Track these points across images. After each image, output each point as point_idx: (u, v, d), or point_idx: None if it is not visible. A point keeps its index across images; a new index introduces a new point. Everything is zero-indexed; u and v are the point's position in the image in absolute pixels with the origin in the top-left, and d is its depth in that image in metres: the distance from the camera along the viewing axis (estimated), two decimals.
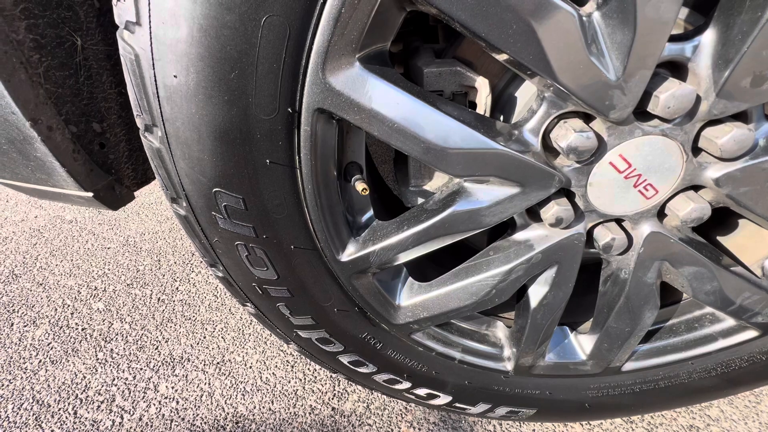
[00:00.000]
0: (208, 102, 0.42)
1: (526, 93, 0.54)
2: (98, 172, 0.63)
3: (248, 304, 0.65)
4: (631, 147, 0.50)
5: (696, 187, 0.55)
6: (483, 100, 0.53)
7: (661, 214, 0.57)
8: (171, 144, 0.46)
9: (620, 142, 0.49)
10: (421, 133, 0.45)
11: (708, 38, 0.43)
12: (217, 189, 0.49)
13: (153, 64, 0.41)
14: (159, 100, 0.43)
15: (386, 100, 0.44)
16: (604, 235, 0.57)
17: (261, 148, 0.46)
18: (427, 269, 0.75)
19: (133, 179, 0.71)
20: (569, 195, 0.55)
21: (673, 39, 0.44)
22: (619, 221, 0.58)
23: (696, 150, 0.51)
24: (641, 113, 0.47)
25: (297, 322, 0.66)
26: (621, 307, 0.64)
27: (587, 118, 0.50)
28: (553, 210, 0.53)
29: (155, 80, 0.42)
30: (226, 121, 0.43)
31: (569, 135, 0.47)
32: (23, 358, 1.12)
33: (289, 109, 0.44)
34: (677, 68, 0.46)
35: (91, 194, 0.63)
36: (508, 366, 0.75)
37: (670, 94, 0.43)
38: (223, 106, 0.42)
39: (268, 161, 0.47)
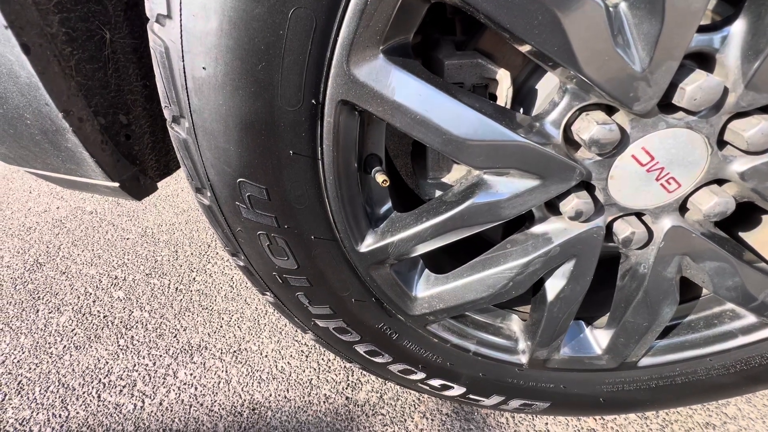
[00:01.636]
0: (235, 93, 0.43)
1: (548, 85, 0.54)
2: (124, 162, 0.65)
3: (268, 293, 0.67)
4: (655, 140, 0.49)
5: (720, 181, 0.54)
6: (504, 92, 0.53)
7: (682, 208, 0.56)
8: (198, 135, 0.47)
9: (643, 135, 0.49)
10: (444, 125, 0.46)
11: (737, 28, 0.42)
12: (241, 179, 0.50)
13: (182, 56, 0.42)
14: (187, 92, 0.44)
15: (409, 92, 0.44)
16: (623, 228, 0.57)
17: (285, 139, 0.47)
18: (443, 261, 0.76)
19: (156, 170, 0.73)
20: (589, 188, 0.55)
21: (701, 30, 0.43)
22: (639, 215, 0.58)
23: (721, 143, 0.50)
24: (665, 105, 0.47)
25: (315, 312, 0.67)
26: (639, 302, 0.64)
27: (610, 111, 0.49)
28: (573, 203, 0.53)
29: (184, 72, 0.43)
30: (252, 113, 0.44)
31: (591, 127, 0.47)
32: (49, 343, 1.16)
33: (313, 101, 0.44)
34: (704, 59, 0.45)
35: (117, 184, 0.64)
36: (523, 359, 0.75)
37: (696, 86, 0.43)
38: (250, 98, 0.43)
39: (291, 152, 0.48)
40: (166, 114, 0.49)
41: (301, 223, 0.55)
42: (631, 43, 0.41)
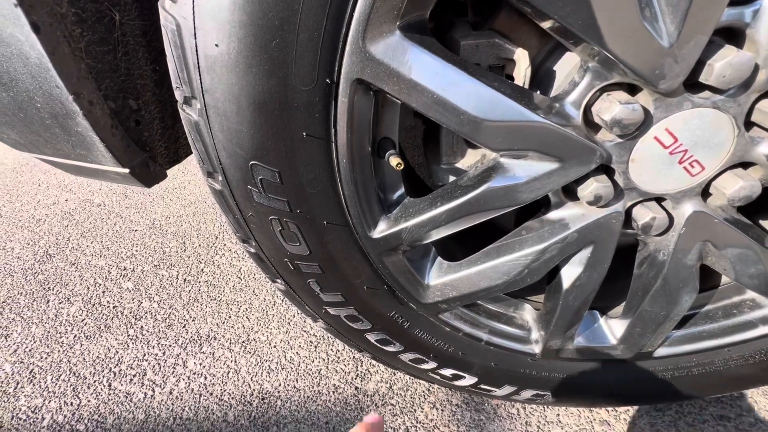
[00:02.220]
0: (248, 72, 0.42)
1: (567, 65, 0.52)
2: (134, 148, 0.64)
3: (279, 280, 0.66)
4: (679, 120, 0.47)
5: (745, 164, 0.52)
6: (522, 73, 0.51)
7: (705, 192, 0.55)
8: (209, 116, 0.47)
9: (667, 115, 0.47)
10: (462, 105, 0.44)
11: None
12: (253, 162, 0.49)
13: (195, 33, 0.41)
14: (199, 71, 0.43)
15: (426, 70, 0.43)
16: (643, 214, 0.55)
17: (298, 120, 0.46)
18: (454, 249, 0.75)
19: (166, 157, 0.72)
20: (608, 171, 0.54)
21: (731, 3, 0.41)
22: (659, 200, 0.56)
23: (748, 124, 0.48)
24: (691, 84, 0.45)
25: (327, 299, 0.66)
26: (657, 291, 0.62)
27: (632, 91, 0.48)
28: (592, 187, 0.52)
29: (196, 50, 0.42)
30: (265, 92, 0.43)
31: (614, 107, 0.45)
32: (59, 332, 1.17)
33: (328, 80, 0.43)
34: (733, 35, 0.43)
35: (127, 170, 0.64)
36: (536, 349, 0.74)
37: (726, 62, 0.41)
38: (263, 76, 0.42)
39: (304, 134, 0.47)
40: (177, 95, 0.48)
41: (313, 208, 0.54)
42: (659, 16, 0.39)
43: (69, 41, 0.49)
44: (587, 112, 0.49)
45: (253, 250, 0.63)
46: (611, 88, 0.47)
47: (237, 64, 0.41)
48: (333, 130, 0.47)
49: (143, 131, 0.66)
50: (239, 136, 0.47)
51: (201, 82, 0.44)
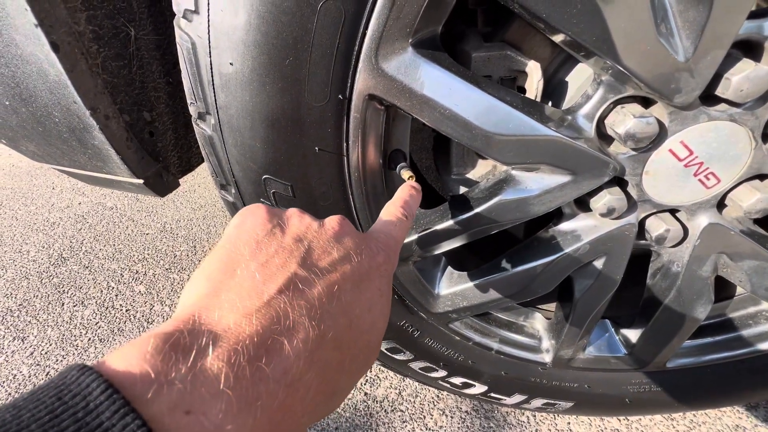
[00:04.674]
0: (262, 89, 0.42)
1: (579, 77, 0.52)
2: (148, 159, 0.65)
3: None
4: (695, 133, 0.47)
5: (762, 176, 0.51)
6: (534, 85, 0.51)
7: (720, 204, 0.54)
8: (223, 131, 0.47)
9: (683, 128, 0.47)
10: (473, 120, 0.44)
11: None
12: (266, 176, 0.50)
13: (209, 52, 0.41)
14: (214, 88, 0.44)
15: (438, 86, 0.43)
16: (657, 226, 0.55)
17: (311, 135, 0.46)
18: (465, 258, 0.75)
19: (179, 167, 0.73)
20: (621, 183, 0.53)
21: (750, 16, 0.41)
22: (673, 211, 0.56)
23: (765, 136, 0.48)
24: (707, 97, 0.45)
25: None
26: (671, 301, 0.62)
27: (646, 103, 0.47)
28: (605, 199, 0.52)
29: (211, 68, 0.42)
30: (279, 109, 0.44)
31: (628, 120, 0.45)
32: (74, 335, 1.19)
33: (340, 96, 0.44)
34: (751, 48, 0.43)
35: (141, 181, 0.65)
36: (547, 358, 0.74)
37: (744, 76, 0.41)
38: (277, 94, 0.43)
39: (317, 148, 0.47)
40: (192, 111, 0.49)
41: None
42: (675, 31, 0.39)
43: (86, 58, 0.50)
44: (600, 125, 0.48)
45: None
46: (625, 100, 0.47)
47: (251, 82, 0.42)
48: (345, 145, 0.48)
49: (157, 142, 0.67)
50: (252, 151, 0.48)
51: (215, 99, 0.45)
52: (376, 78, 0.42)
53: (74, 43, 0.48)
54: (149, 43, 0.58)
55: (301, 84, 0.42)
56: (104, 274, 1.40)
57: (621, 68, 0.41)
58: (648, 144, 0.47)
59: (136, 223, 1.65)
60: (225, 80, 0.43)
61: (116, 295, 1.32)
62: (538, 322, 0.76)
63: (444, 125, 0.45)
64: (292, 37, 0.39)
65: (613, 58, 0.40)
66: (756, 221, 0.57)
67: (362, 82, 0.43)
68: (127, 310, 1.26)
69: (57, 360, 1.13)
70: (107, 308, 1.27)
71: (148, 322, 1.22)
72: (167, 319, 1.20)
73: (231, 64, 0.41)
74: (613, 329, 0.74)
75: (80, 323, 1.23)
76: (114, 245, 1.54)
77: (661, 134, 0.47)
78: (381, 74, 0.42)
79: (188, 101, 0.48)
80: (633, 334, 0.71)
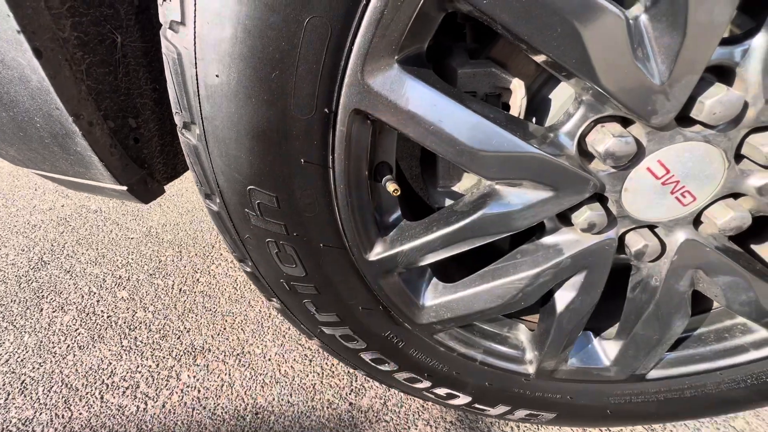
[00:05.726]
0: (247, 101, 0.42)
1: (561, 96, 0.53)
2: (132, 166, 0.65)
3: (274, 299, 0.66)
4: (671, 153, 0.48)
5: (735, 195, 0.53)
6: (518, 102, 0.52)
7: (696, 221, 0.56)
8: (208, 142, 0.47)
9: (659, 148, 0.48)
10: (458, 136, 0.45)
11: (759, 42, 0.41)
12: (251, 187, 0.50)
13: (195, 63, 0.41)
14: (199, 99, 0.44)
15: (423, 102, 0.44)
16: (636, 241, 0.56)
17: (296, 148, 0.46)
18: (450, 269, 0.75)
19: (164, 173, 0.72)
20: (602, 199, 0.54)
21: (722, 42, 0.42)
22: (651, 227, 0.57)
23: (738, 157, 0.49)
24: (683, 118, 0.46)
25: (322, 319, 0.67)
26: (650, 315, 0.63)
27: (625, 122, 0.49)
28: (586, 215, 0.53)
29: (197, 79, 0.42)
30: (264, 121, 0.44)
31: (607, 140, 0.46)
32: (52, 342, 1.16)
33: (326, 110, 0.44)
34: (724, 73, 0.44)
35: (125, 188, 0.64)
36: (530, 369, 0.74)
37: (716, 100, 0.42)
38: (262, 106, 0.43)
39: (302, 160, 0.47)
40: (177, 120, 0.49)
41: (310, 231, 0.54)
42: (651, 56, 0.40)
43: (70, 64, 0.49)
44: (581, 143, 0.50)
45: (249, 270, 0.63)
46: (605, 119, 0.48)
47: (237, 94, 0.42)
48: (331, 157, 0.48)
49: (142, 149, 0.66)
50: (237, 162, 0.48)
51: (201, 110, 0.45)
52: (361, 93, 0.43)
53: (58, 49, 0.47)
54: (136, 50, 0.58)
55: (287, 97, 0.42)
56: (86, 279, 1.37)
57: (600, 89, 0.42)
58: (627, 162, 0.48)
59: (120, 227, 1.62)
60: (211, 91, 0.43)
61: (98, 301, 1.29)
62: (521, 333, 0.76)
63: (429, 140, 0.46)
64: (278, 51, 0.39)
65: (592, 79, 0.41)
66: (730, 238, 0.58)
67: (348, 97, 0.43)
68: (108, 317, 1.24)
69: (33, 368, 1.10)
70: (88, 314, 1.25)
71: (130, 329, 1.19)
72: (150, 326, 1.18)
73: (217, 75, 0.41)
74: (595, 340, 0.75)
75: (59, 330, 1.20)
76: (97, 249, 1.51)
77: (639, 153, 0.48)
78: (367, 90, 0.42)
79: (173, 110, 0.48)
80: (614, 346, 0.72)
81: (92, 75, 0.53)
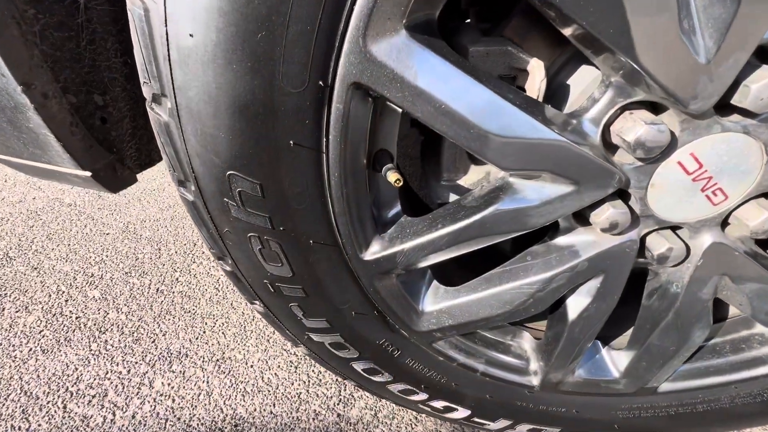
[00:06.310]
0: (227, 68, 0.36)
1: (583, 79, 0.48)
2: (98, 149, 0.57)
3: (257, 302, 0.60)
4: (706, 145, 0.43)
5: (766, 195, 0.49)
6: (537, 85, 0.46)
7: (724, 222, 0.51)
8: (182, 117, 0.40)
9: (694, 139, 0.43)
10: (472, 118, 0.39)
11: None
12: (231, 172, 0.43)
13: (165, 21, 0.35)
14: (170, 65, 0.37)
15: (434, 76, 0.38)
16: (659, 244, 0.51)
17: (285, 127, 0.40)
18: (452, 272, 0.69)
19: (136, 160, 0.65)
20: (623, 196, 0.49)
21: None
22: (675, 228, 0.52)
23: None
24: (722, 106, 0.41)
25: (310, 325, 0.60)
26: (668, 324, 0.58)
27: (654, 110, 0.43)
28: (608, 213, 0.47)
29: (167, 40, 0.36)
30: (248, 93, 0.37)
31: (638, 127, 0.41)
32: (13, 345, 1.07)
33: (321, 82, 0.38)
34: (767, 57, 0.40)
35: (89, 173, 0.57)
36: (534, 381, 0.69)
37: (764, 84, 0.37)
38: (246, 74, 0.36)
39: (291, 142, 0.41)
40: (145, 92, 0.42)
41: (298, 226, 0.48)
42: (698, 29, 0.35)
43: (19, 23, 0.42)
44: (605, 132, 0.44)
45: (228, 269, 0.56)
46: (633, 106, 0.43)
47: (215, 58, 0.35)
48: (325, 140, 0.42)
49: (110, 130, 0.59)
50: (215, 142, 0.41)
51: (172, 78, 0.38)
52: (363, 63, 0.36)
53: (3, 3, 0.40)
54: (103, 15, 0.51)
55: (275, 65, 0.36)
56: (54, 277, 1.27)
57: (637, 67, 0.37)
58: (657, 154, 0.43)
59: (95, 222, 1.52)
60: (184, 55, 0.36)
61: (66, 301, 1.19)
62: (526, 341, 0.71)
63: (438, 122, 0.40)
64: (265, 5, 0.33)
65: (629, 54, 0.36)
66: (756, 242, 0.54)
67: (347, 67, 0.37)
68: (77, 318, 1.14)
69: None
70: (54, 315, 1.15)
71: (100, 332, 1.10)
72: (122, 328, 1.09)
73: (191, 35, 0.35)
74: (603, 350, 0.70)
75: (21, 331, 1.10)
76: (68, 245, 1.41)
77: (671, 144, 0.43)
78: (369, 59, 0.36)
79: (141, 80, 0.41)
80: (625, 357, 0.67)
81: (48, 39, 0.46)
